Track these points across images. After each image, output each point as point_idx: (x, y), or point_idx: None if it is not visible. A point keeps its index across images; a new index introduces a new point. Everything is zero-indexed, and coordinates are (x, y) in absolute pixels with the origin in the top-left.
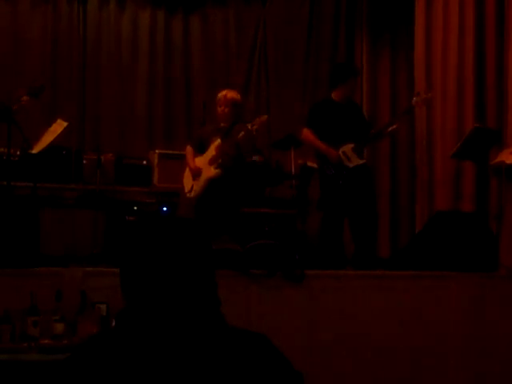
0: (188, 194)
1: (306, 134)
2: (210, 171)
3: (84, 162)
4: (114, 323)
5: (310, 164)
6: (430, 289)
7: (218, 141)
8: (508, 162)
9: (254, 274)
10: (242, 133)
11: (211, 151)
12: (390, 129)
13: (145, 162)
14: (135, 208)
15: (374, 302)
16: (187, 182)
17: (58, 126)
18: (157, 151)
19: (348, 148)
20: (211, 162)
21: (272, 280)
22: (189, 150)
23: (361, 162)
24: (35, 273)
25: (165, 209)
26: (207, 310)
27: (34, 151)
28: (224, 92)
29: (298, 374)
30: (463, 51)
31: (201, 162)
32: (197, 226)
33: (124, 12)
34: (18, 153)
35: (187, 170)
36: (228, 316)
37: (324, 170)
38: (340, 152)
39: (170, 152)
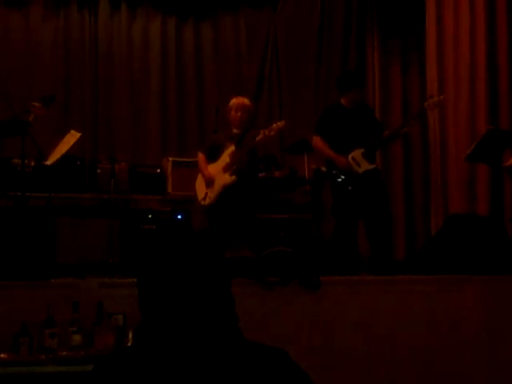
0: (202, 202)
1: (316, 141)
2: (225, 178)
3: (98, 171)
4: (130, 336)
5: (323, 169)
6: (445, 292)
7: (232, 148)
8: None
9: (269, 281)
10: (260, 136)
11: (225, 158)
12: (401, 132)
13: (158, 170)
14: (150, 216)
15: (390, 306)
16: (200, 189)
17: (72, 137)
18: (170, 159)
19: (358, 153)
20: (225, 168)
21: (288, 288)
22: (201, 157)
23: (371, 166)
24: (51, 284)
25: (179, 216)
26: (225, 326)
27: (48, 162)
28: (240, 98)
29: None
30: (475, 52)
31: (214, 169)
32: (213, 239)
33: (135, 21)
34: (33, 164)
35: (199, 177)
36: (244, 324)
37: (333, 176)
38: (349, 158)
39: (184, 160)
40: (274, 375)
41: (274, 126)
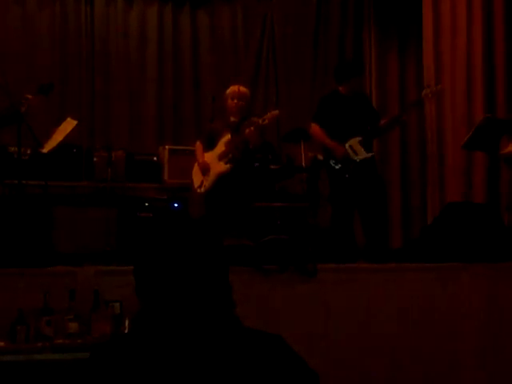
0: (198, 190)
1: (314, 129)
2: (221, 166)
3: (95, 159)
4: (127, 323)
5: (320, 157)
6: (441, 280)
7: (228, 136)
8: None
9: (266, 269)
10: (251, 128)
11: (220, 146)
12: (399, 120)
13: (155, 159)
14: (146, 204)
15: (386, 294)
16: (196, 177)
17: (68, 125)
18: (167, 147)
19: (355, 141)
20: (221, 157)
21: (284, 275)
22: (198, 145)
23: (368, 155)
24: (48, 272)
25: (176, 205)
26: (222, 312)
27: (45, 150)
28: (236, 86)
29: (314, 374)
30: (472, 41)
31: (210, 157)
32: (211, 227)
33: (131, 8)
34: (29, 152)
35: (196, 165)
36: (241, 312)
37: (330, 164)
38: (347, 146)
39: (180, 148)
40: (270, 361)
41: (269, 114)
